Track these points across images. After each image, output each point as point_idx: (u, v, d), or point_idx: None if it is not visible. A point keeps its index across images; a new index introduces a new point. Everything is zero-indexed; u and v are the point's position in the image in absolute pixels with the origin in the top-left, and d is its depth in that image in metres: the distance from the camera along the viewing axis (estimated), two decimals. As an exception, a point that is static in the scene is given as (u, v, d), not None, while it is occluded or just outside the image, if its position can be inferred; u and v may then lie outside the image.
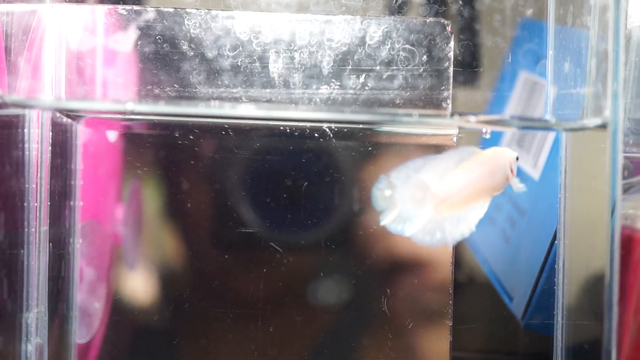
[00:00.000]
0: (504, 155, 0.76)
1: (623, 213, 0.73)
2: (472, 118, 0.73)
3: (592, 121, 0.71)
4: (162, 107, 0.83)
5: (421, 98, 0.86)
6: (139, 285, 0.92)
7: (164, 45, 0.86)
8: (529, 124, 0.82)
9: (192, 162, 0.90)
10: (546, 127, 0.82)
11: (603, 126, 0.69)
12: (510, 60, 0.97)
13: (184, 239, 0.91)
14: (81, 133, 0.92)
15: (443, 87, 0.85)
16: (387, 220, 0.75)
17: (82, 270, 0.94)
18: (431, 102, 0.86)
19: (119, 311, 0.92)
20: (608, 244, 0.69)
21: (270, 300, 0.90)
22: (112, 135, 0.95)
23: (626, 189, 0.73)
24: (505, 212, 1.04)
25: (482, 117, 0.75)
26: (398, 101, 0.86)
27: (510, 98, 1.04)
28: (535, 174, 0.97)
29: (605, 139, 0.70)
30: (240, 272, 0.90)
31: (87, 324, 0.94)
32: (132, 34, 0.87)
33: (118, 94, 0.89)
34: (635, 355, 0.64)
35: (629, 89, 0.77)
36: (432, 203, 0.72)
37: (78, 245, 0.92)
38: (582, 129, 0.73)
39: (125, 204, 0.94)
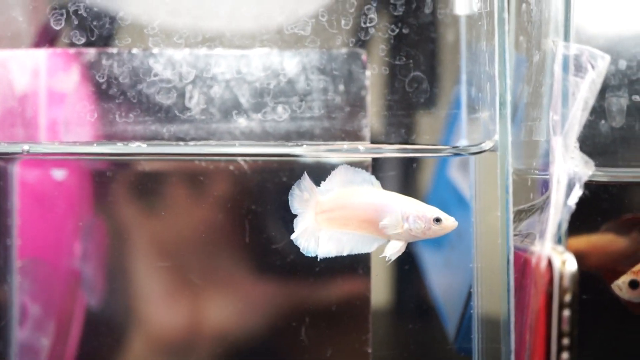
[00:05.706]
0: (400, 206, 0.72)
1: (521, 235, 0.73)
2: (361, 148, 0.73)
3: (485, 144, 0.71)
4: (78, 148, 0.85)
5: (339, 127, 0.87)
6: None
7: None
8: (423, 152, 0.82)
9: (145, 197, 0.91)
10: (437, 152, 0.82)
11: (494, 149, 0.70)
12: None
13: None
14: (17, 174, 0.93)
15: (360, 115, 0.86)
16: (299, 231, 0.70)
17: (26, 307, 0.95)
18: (350, 131, 0.87)
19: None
20: (502, 268, 0.69)
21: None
22: (59, 174, 0.97)
23: (529, 210, 0.73)
24: (448, 237, 1.03)
25: (370, 146, 0.76)
26: (317, 131, 0.87)
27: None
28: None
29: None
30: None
31: (31, 360, 0.95)
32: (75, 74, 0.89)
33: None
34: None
35: (542, 109, 0.77)
36: (313, 210, 0.71)
37: (17, 282, 0.93)
38: (475, 153, 0.73)
39: (83, 239, 0.96)
